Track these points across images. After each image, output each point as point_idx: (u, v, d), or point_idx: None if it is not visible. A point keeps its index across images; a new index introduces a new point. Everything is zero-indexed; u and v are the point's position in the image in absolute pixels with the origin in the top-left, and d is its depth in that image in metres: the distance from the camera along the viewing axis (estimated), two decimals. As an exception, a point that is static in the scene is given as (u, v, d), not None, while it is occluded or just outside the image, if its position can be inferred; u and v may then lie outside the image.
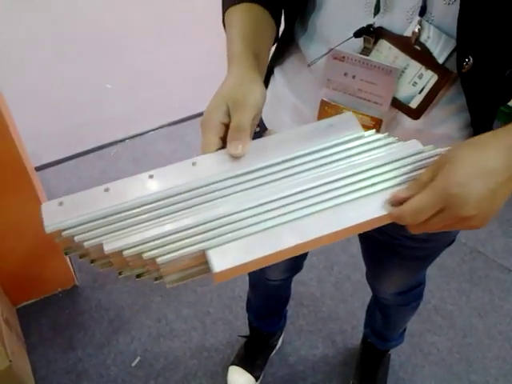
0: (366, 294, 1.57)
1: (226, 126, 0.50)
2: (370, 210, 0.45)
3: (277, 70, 0.76)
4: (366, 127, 0.64)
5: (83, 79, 2.49)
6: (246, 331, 1.46)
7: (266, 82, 0.79)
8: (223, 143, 0.50)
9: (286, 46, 0.71)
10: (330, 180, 0.47)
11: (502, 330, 1.55)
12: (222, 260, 0.41)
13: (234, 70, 0.54)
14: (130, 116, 2.29)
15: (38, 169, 1.87)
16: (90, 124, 2.23)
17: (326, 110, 0.66)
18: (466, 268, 1.71)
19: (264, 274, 1.14)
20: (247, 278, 1.29)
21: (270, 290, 1.26)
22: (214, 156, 0.49)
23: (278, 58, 0.74)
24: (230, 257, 0.41)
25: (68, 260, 1.59)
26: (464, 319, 1.57)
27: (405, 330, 1.33)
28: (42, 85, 2.44)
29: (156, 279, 0.45)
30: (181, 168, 0.49)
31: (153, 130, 2.20)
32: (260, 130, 0.83)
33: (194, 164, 0.49)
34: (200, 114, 2.64)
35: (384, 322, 1.25)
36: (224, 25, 0.65)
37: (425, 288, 1.14)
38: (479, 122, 0.63)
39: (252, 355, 1.42)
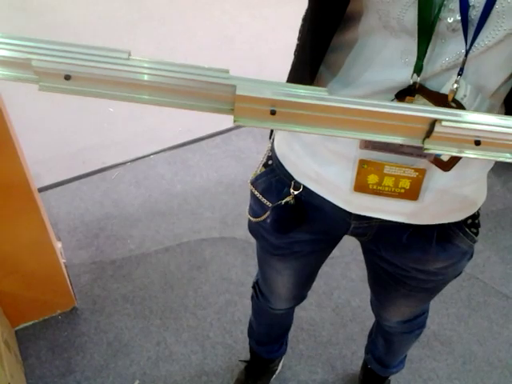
0: (366, 319, 1.58)
1: None
2: None
3: None
4: (410, 178, 0.65)
5: (86, 103, 2.53)
6: (245, 356, 1.45)
7: None
8: None
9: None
10: None
11: (501, 356, 1.55)
12: None
13: None
14: (132, 139, 2.31)
15: (39, 190, 1.89)
16: (92, 147, 2.25)
17: (366, 168, 0.65)
18: (465, 294, 1.72)
19: (268, 303, 1.15)
20: (247, 302, 1.29)
21: (273, 319, 1.26)
22: None
23: None
24: None
25: (68, 282, 1.59)
26: (463, 345, 1.58)
27: (405, 356, 1.33)
28: (46, 108, 2.47)
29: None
30: None
31: (154, 153, 2.22)
32: (272, 164, 0.83)
33: None
34: (202, 139, 2.66)
35: (386, 349, 1.25)
36: None
37: (428, 315, 1.15)
38: None
39: (252, 380, 1.41)
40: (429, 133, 0.40)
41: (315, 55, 0.64)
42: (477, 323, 1.64)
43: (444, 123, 0.38)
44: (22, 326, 1.56)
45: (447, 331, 1.61)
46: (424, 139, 0.40)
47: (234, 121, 0.42)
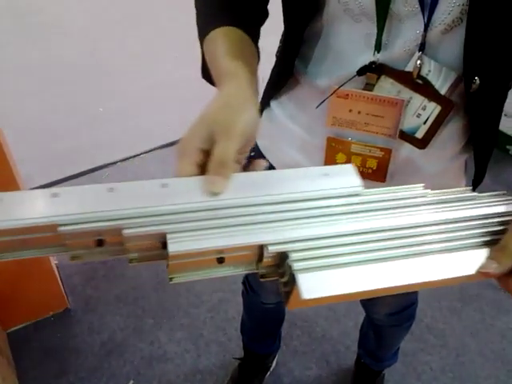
0: (359, 314, 1.58)
1: (207, 153, 0.42)
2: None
3: (274, 103, 0.75)
4: (377, 158, 0.65)
5: (76, 103, 2.51)
6: (239, 353, 1.45)
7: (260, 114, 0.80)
8: (201, 170, 0.42)
9: (284, 79, 0.70)
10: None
11: (494, 348, 1.56)
12: (313, 286, 0.36)
13: (225, 88, 0.47)
14: (123, 139, 2.30)
15: (30, 192, 1.87)
16: (83, 147, 2.24)
17: (334, 146, 0.66)
18: (457, 287, 1.72)
19: (259, 298, 1.15)
20: (240, 299, 1.29)
21: (265, 313, 1.26)
22: (188, 181, 0.41)
23: (274, 91, 0.73)
24: (320, 285, 0.36)
25: (60, 283, 1.58)
26: (456, 338, 1.58)
27: (398, 349, 1.33)
28: (36, 108, 2.46)
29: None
30: (148, 188, 0.41)
31: (145, 152, 2.21)
32: (254, 155, 0.84)
33: (164, 186, 0.41)
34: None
35: (377, 343, 1.25)
36: (203, 52, 0.60)
37: (417, 307, 1.15)
38: (481, 141, 0.66)
39: (246, 377, 1.41)
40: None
41: (292, 47, 0.65)
42: (469, 316, 1.65)
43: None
44: (14, 328, 1.55)
45: (440, 324, 1.62)
46: (168, 266, 0.39)
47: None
